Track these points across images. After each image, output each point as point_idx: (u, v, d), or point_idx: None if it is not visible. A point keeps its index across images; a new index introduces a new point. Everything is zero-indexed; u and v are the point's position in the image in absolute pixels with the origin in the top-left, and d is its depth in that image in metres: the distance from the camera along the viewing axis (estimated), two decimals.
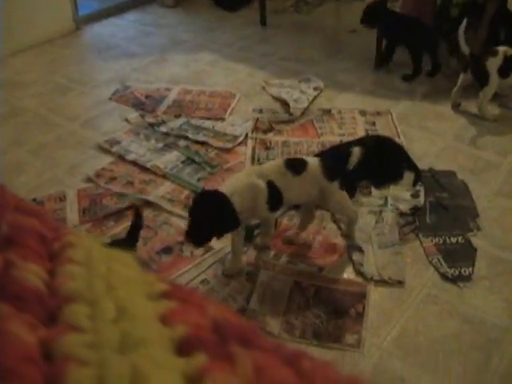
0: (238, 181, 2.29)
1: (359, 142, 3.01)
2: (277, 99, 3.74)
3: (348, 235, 2.61)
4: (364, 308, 2.31)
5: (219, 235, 2.23)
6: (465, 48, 3.46)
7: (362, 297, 2.35)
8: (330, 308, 2.31)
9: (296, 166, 2.34)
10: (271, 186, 2.27)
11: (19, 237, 0.37)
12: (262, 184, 2.26)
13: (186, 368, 0.31)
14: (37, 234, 0.39)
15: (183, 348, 0.32)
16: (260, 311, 2.27)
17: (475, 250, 2.60)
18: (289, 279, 2.42)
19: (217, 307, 0.36)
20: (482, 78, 3.42)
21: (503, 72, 3.39)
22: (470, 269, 2.50)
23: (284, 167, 2.32)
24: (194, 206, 2.20)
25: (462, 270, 2.49)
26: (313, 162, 2.38)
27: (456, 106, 3.67)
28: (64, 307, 0.33)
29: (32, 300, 0.33)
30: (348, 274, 2.48)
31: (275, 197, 2.30)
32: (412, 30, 3.93)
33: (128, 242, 2.20)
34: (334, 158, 2.62)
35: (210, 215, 2.15)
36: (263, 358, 0.32)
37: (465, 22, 3.46)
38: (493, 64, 3.37)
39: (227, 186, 2.26)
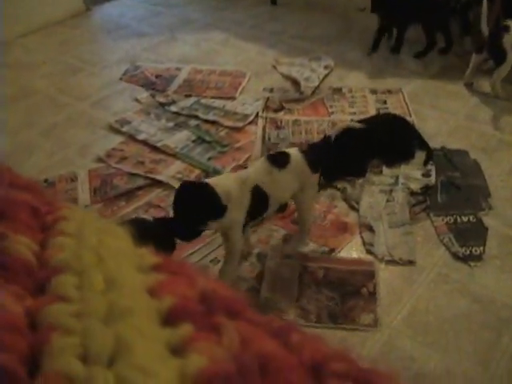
0: (223, 177, 2.21)
1: (370, 120, 3.00)
2: (287, 78, 3.73)
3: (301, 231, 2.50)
4: (375, 286, 2.31)
5: (205, 224, 2.08)
6: (485, 28, 3.41)
7: (371, 275, 2.35)
8: (342, 289, 2.30)
9: (279, 159, 2.22)
10: (257, 190, 2.13)
11: (11, 210, 0.37)
12: (246, 191, 2.10)
13: (171, 338, 0.31)
14: (29, 207, 0.39)
15: (169, 319, 0.32)
16: (272, 298, 2.25)
17: (486, 229, 2.59)
18: (296, 264, 2.40)
19: (207, 279, 0.36)
20: (498, 56, 3.38)
21: None
22: (481, 248, 2.49)
23: (268, 164, 2.18)
24: (175, 199, 2.05)
25: (473, 250, 2.48)
26: (295, 153, 2.27)
27: (468, 85, 3.64)
28: (53, 278, 0.33)
29: (21, 271, 0.33)
30: (358, 253, 2.47)
31: (260, 203, 2.16)
32: (425, 5, 3.87)
33: None
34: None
35: (193, 203, 2.01)
36: (250, 330, 0.32)
37: (485, 1, 3.40)
38: (508, 41, 3.32)
39: (211, 179, 2.16)
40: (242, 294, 0.36)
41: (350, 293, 2.29)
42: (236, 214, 2.08)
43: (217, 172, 2.85)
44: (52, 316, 0.30)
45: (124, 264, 0.35)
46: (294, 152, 2.28)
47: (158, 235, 1.98)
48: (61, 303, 0.31)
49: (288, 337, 0.33)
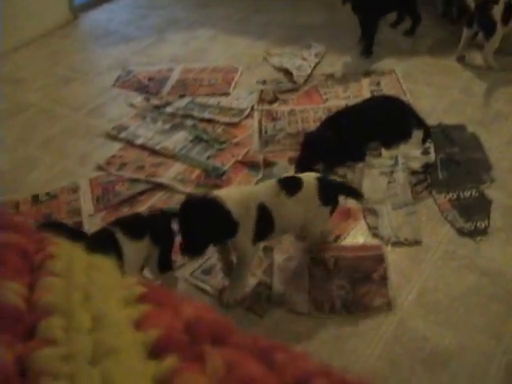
0: (232, 191, 2.15)
1: (364, 103, 3.01)
2: (279, 69, 3.73)
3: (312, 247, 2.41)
4: (385, 270, 2.31)
5: (217, 241, 2.06)
6: (470, 1, 3.41)
7: (381, 260, 2.35)
8: (353, 276, 2.30)
9: (291, 184, 2.14)
10: (263, 209, 2.04)
11: (0, 255, 0.38)
12: (253, 205, 2.03)
13: (157, 371, 0.32)
14: (18, 249, 0.40)
15: (155, 351, 0.33)
16: (285, 293, 2.26)
17: (490, 202, 2.59)
18: (304, 256, 2.40)
19: (192, 307, 0.37)
20: (488, 28, 3.37)
21: (504, 18, 3.34)
22: (486, 222, 2.50)
23: (278, 187, 2.11)
24: (183, 214, 1.97)
25: (478, 224, 2.49)
26: (309, 180, 2.18)
27: (461, 59, 3.63)
28: (41, 321, 0.34)
29: (10, 318, 0.34)
30: (364, 237, 2.48)
31: (265, 223, 2.07)
32: None
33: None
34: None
35: (204, 219, 1.93)
36: (235, 354, 0.33)
37: None
38: (497, 12, 3.31)
39: (220, 192, 2.11)
40: (227, 319, 0.37)
41: (360, 279, 2.29)
42: (244, 230, 2.02)
43: (216, 170, 2.86)
44: (40, 361, 0.31)
45: (111, 299, 0.36)
46: (308, 179, 2.18)
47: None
48: (48, 347, 0.32)
49: (272, 357, 0.34)
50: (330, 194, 2.23)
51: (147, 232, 2.01)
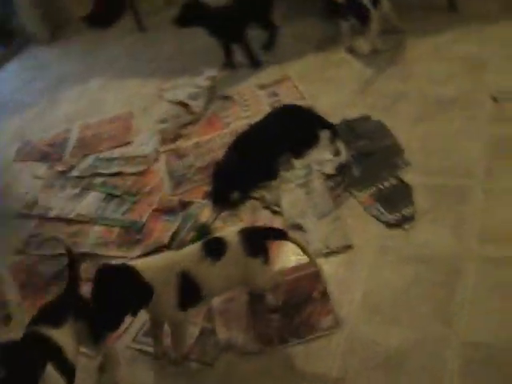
0: (151, 259, 2.06)
1: (265, 118, 2.97)
2: (175, 103, 3.64)
3: (274, 295, 2.26)
4: (324, 286, 2.26)
5: (133, 312, 1.92)
6: None
7: (317, 276, 2.29)
8: (294, 300, 2.24)
9: (214, 248, 2.03)
10: (185, 276, 1.96)
11: None
12: (173, 273, 1.95)
13: None
14: None
15: None
16: (230, 336, 2.18)
17: (410, 187, 2.58)
18: (241, 294, 2.31)
19: None
20: (363, 16, 3.39)
21: (374, 2, 3.38)
22: (411, 208, 2.48)
23: (202, 252, 2.01)
24: (95, 286, 1.84)
25: (404, 212, 2.47)
26: (231, 237, 2.06)
27: (349, 50, 3.64)
28: None
29: None
30: (295, 256, 2.42)
31: (190, 290, 1.99)
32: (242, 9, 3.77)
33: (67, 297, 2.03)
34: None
35: (116, 287, 1.83)
36: None
37: None
38: None
39: (138, 260, 2.04)
40: None
41: (302, 301, 2.23)
42: (166, 298, 1.94)
43: (135, 225, 2.78)
44: None
45: None
46: (231, 237, 2.06)
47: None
48: None
49: None
50: (256, 243, 2.09)
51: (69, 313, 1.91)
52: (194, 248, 2.05)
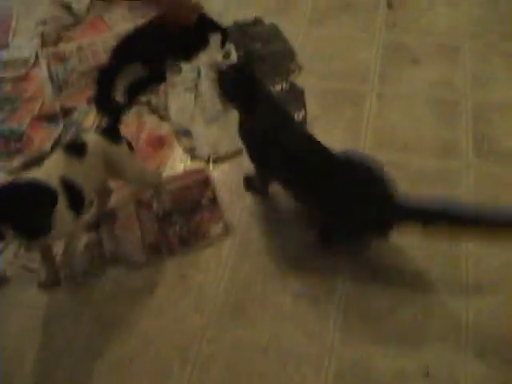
0: (35, 173, 1.82)
1: (152, 20, 2.77)
2: (56, 4, 3.32)
3: (159, 201, 2.17)
4: (213, 192, 2.18)
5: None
6: None
7: (206, 182, 2.21)
8: (183, 208, 2.14)
9: (76, 147, 1.87)
10: (65, 181, 1.78)
11: None
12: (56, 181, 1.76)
13: None
14: None
15: None
16: (117, 247, 2.06)
17: (302, 91, 2.51)
18: (129, 204, 2.19)
19: None
20: None
21: None
22: (303, 112, 2.41)
23: (65, 155, 1.84)
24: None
25: (296, 116, 2.39)
26: (93, 138, 1.92)
27: None
28: None
29: None
30: (183, 163, 2.30)
31: (74, 193, 1.81)
32: None
33: None
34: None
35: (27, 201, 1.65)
36: None
37: None
38: None
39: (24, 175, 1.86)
40: None
41: (191, 209, 2.14)
42: (60, 206, 1.74)
43: (14, 133, 2.56)
44: None
45: None
46: (91, 137, 1.92)
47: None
48: None
49: None
50: (114, 130, 1.97)
51: None
52: (60, 152, 1.87)
